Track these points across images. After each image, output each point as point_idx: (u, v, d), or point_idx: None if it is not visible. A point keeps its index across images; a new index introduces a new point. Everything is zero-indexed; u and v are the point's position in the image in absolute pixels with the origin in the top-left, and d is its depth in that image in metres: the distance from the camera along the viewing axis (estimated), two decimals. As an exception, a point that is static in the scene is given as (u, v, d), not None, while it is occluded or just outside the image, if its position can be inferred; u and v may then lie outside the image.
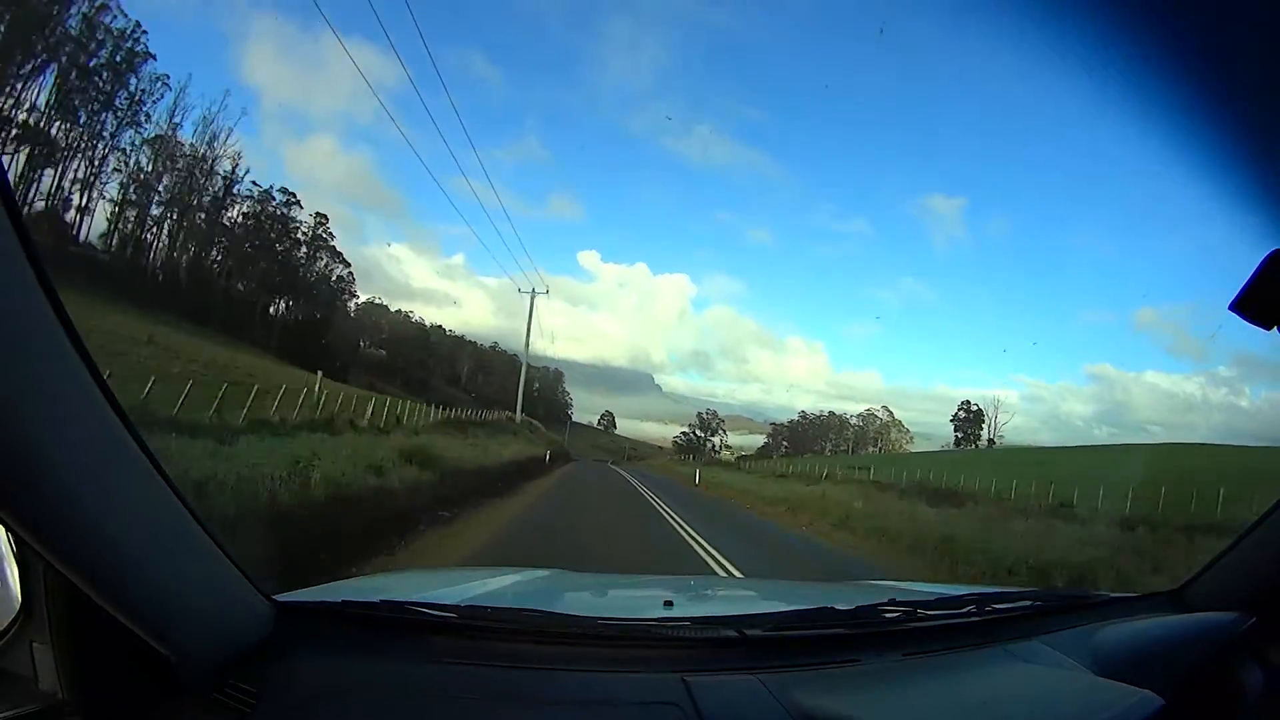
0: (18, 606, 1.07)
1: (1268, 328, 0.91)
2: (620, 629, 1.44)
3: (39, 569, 1.01)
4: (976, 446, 42.21)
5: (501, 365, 43.86)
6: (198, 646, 1.06)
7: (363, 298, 40.50)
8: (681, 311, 50.33)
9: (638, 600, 1.87)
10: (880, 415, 48.24)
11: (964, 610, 1.69)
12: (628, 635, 1.43)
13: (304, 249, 35.78)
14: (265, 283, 33.11)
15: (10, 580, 1.09)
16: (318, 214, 36.44)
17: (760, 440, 47.01)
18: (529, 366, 46.05)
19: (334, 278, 37.08)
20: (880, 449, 47.10)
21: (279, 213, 34.95)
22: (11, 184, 0.72)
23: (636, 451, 46.64)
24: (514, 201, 49.46)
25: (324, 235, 37.04)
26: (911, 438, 47.79)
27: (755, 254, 58.52)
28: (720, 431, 44.67)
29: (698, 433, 44.21)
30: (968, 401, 42.73)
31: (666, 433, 47.58)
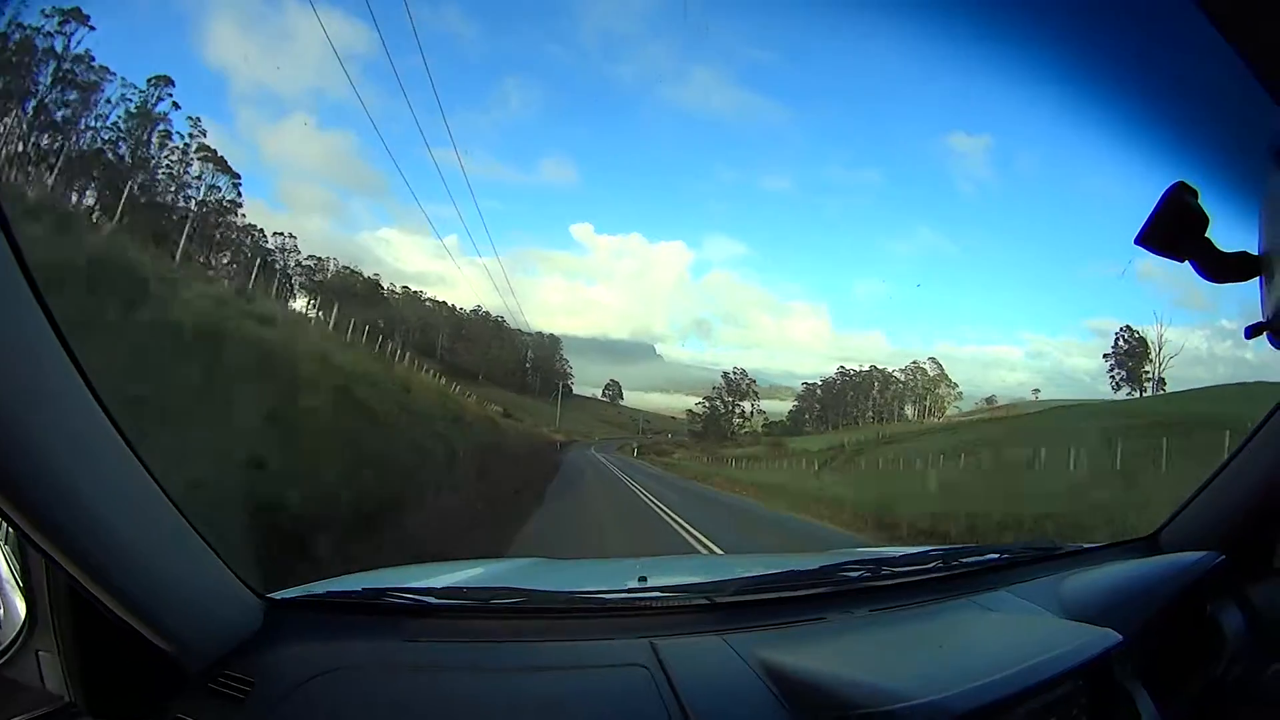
0: (21, 620, 1.17)
1: (1180, 259, 0.91)
2: (591, 602, 1.51)
3: (43, 582, 1.11)
4: (1141, 393, 33.42)
5: (484, 333, 39.39)
6: (194, 641, 1.13)
7: (304, 253, 34.07)
8: (680, 279, 49.33)
9: (612, 577, 1.92)
10: (927, 369, 43.02)
11: (929, 565, 1.74)
12: (598, 607, 1.49)
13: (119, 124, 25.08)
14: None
15: (13, 598, 1.20)
16: (155, 78, 26.59)
17: (777, 406, 42.89)
18: (521, 334, 37.21)
19: (205, 189, 27.56)
20: (929, 410, 42.89)
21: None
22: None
23: (650, 425, 42.96)
24: (501, 169, 49.03)
25: (197, 135, 28.15)
26: (960, 394, 42.81)
27: (758, 212, 58.61)
28: (751, 395, 36.30)
29: (725, 398, 35.90)
30: (1128, 326, 33.94)
31: (671, 403, 43.65)
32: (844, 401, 42.10)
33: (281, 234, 33.31)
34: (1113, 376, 36.37)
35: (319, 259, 34.19)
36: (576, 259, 50.49)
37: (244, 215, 30.40)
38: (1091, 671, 1.30)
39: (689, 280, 50.65)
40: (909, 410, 42.37)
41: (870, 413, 42.53)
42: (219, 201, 28.72)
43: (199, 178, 28.27)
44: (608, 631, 1.38)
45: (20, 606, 1.17)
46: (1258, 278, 0.89)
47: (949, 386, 43.36)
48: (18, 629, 1.17)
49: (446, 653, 1.29)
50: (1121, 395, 35.43)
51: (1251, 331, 0.90)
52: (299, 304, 31.77)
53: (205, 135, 28.85)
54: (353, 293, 33.58)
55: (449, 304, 38.42)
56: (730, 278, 51.54)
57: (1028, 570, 1.78)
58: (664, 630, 1.35)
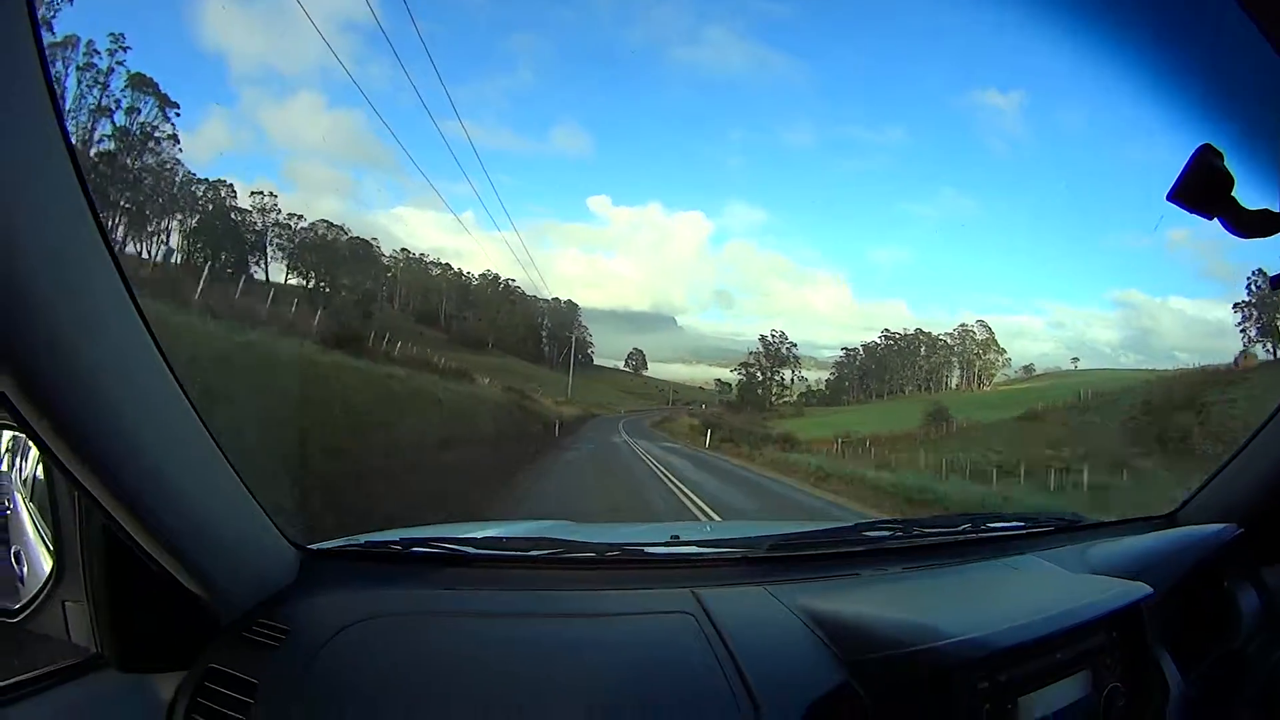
0: (48, 571, 1.17)
1: (1209, 217, 0.95)
2: (632, 553, 1.51)
3: (74, 531, 1.11)
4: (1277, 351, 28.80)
5: (494, 299, 36.00)
6: (232, 588, 1.14)
7: (285, 212, 30.05)
8: (700, 249, 47.93)
9: (646, 535, 1.91)
10: (976, 332, 38.97)
11: (959, 528, 1.78)
12: (639, 559, 1.50)
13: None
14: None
15: (37, 551, 1.20)
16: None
17: (808, 376, 39.19)
18: (536, 300, 37.78)
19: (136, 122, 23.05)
20: (979, 376, 38.59)
21: None
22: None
23: (679, 395, 39.68)
24: (514, 139, 48.37)
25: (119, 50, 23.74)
26: (1008, 360, 39.06)
27: (777, 176, 55.42)
28: (792, 362, 32.57)
29: (763, 361, 32.25)
30: (1260, 270, 29.42)
31: (694, 374, 41.51)
32: (888, 368, 38.17)
33: (260, 193, 29.34)
34: (1243, 331, 30.70)
35: (299, 216, 30.06)
36: (595, 231, 49.63)
37: (180, 149, 25.56)
38: (1124, 622, 1.36)
39: (709, 250, 50.04)
40: (953, 378, 39.47)
41: (916, 381, 38.85)
42: (142, 128, 23.65)
43: (117, 104, 23.36)
44: (649, 582, 1.39)
45: (45, 561, 1.18)
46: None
47: (997, 352, 39.30)
48: (42, 582, 1.18)
49: (486, 600, 1.30)
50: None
51: (1277, 281, 0.99)
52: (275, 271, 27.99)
53: (128, 50, 23.79)
54: (333, 253, 29.40)
55: (454, 268, 34.81)
56: (750, 246, 50.51)
57: (1052, 539, 1.82)
58: (705, 581, 1.37)
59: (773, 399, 36.91)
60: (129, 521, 0.94)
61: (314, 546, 1.34)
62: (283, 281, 28.87)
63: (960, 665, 1.11)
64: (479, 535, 1.55)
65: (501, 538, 1.55)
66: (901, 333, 39.60)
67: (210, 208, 26.87)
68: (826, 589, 1.37)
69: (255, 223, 29.46)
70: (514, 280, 35.67)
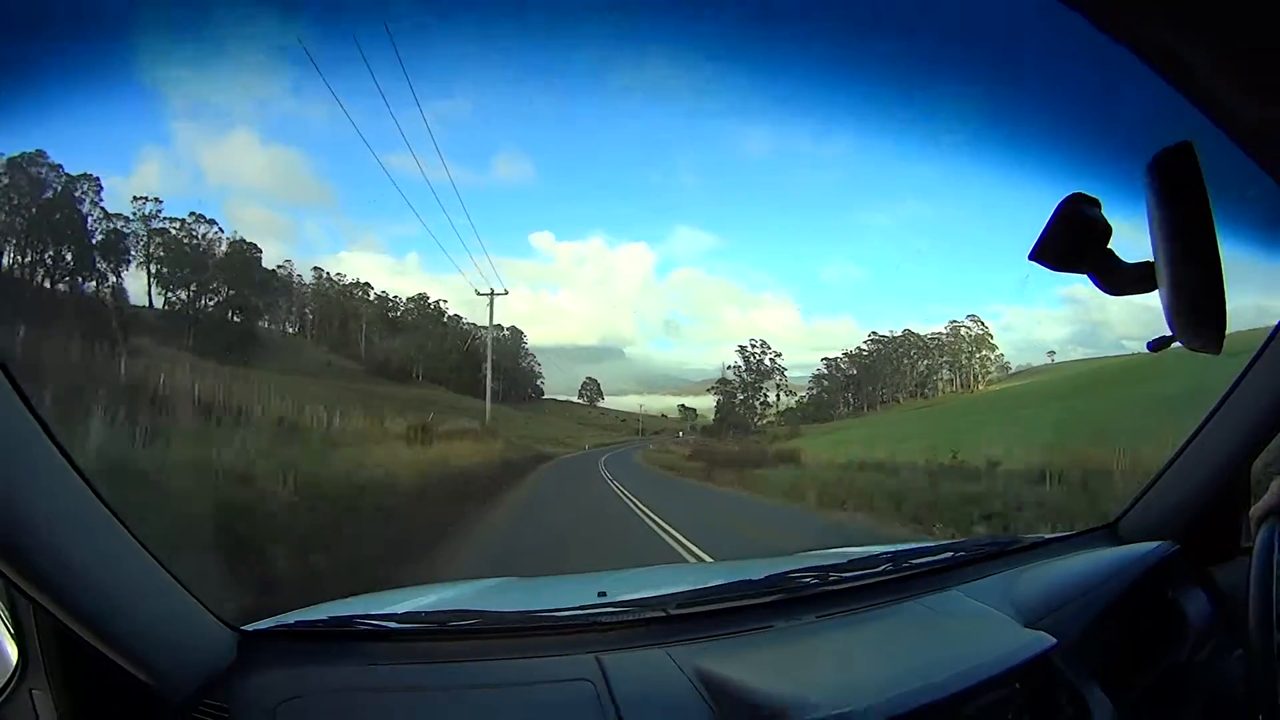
0: (14, 662, 1.23)
1: (1080, 271, 0.90)
2: (544, 620, 1.53)
3: (32, 624, 1.16)
4: None
5: (423, 322, 32.08)
6: (174, 674, 1.20)
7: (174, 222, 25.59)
8: (645, 280, 43.38)
9: (573, 594, 1.88)
10: (970, 328, 35.52)
11: (879, 569, 1.74)
12: (550, 625, 1.52)
13: None
14: None
15: (3, 642, 1.24)
16: None
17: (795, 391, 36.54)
18: (476, 328, 33.60)
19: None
20: (974, 377, 34.54)
21: None
22: None
23: (646, 425, 36.81)
24: (455, 171, 43.97)
25: None
26: (1000, 356, 35.63)
27: (725, 197, 51.23)
28: (777, 374, 28.55)
29: (744, 377, 28.20)
30: None
31: (648, 403, 39.55)
32: (879, 376, 34.69)
33: (144, 198, 24.50)
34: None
35: (181, 220, 24.80)
36: (539, 267, 47.28)
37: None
38: (1029, 674, 1.30)
39: (655, 279, 47.23)
40: (944, 381, 37.12)
41: (907, 388, 35.48)
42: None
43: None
44: (559, 648, 1.42)
45: (11, 650, 1.25)
46: (1159, 289, 0.87)
47: (990, 349, 36.32)
48: (11, 670, 1.24)
49: (404, 675, 1.34)
50: None
51: (1156, 345, 0.89)
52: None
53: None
54: (206, 260, 23.96)
55: (375, 289, 30.52)
56: (697, 274, 48.67)
57: (982, 567, 1.77)
58: (611, 645, 1.40)
59: (756, 419, 33.64)
60: (68, 619, 1.01)
61: (248, 628, 1.40)
62: (161, 305, 23.74)
63: None
64: (402, 608, 1.60)
65: (421, 611, 1.58)
66: (889, 335, 37.57)
67: (58, 201, 21.42)
68: (731, 647, 1.39)
69: (139, 232, 24.30)
70: (445, 302, 32.83)
